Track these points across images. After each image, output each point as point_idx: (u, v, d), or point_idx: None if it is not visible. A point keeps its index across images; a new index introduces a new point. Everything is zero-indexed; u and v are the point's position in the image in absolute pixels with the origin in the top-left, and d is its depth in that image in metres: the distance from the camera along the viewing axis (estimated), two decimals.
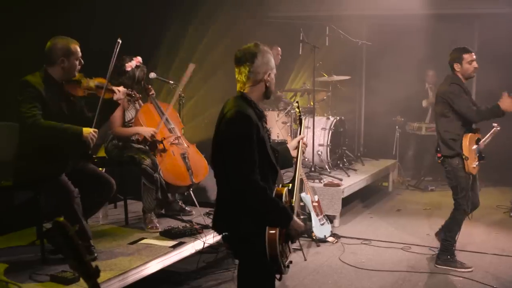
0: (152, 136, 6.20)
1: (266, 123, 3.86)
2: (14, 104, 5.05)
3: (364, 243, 7.44)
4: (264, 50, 3.84)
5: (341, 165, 9.68)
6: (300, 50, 9.32)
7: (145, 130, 6.21)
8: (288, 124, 9.42)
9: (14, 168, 5.19)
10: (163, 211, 6.63)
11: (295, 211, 3.88)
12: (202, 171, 6.59)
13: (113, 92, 5.38)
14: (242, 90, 3.81)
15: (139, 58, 6.31)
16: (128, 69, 6.23)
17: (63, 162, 5.19)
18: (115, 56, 5.25)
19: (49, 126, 4.95)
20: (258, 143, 3.60)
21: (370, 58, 12.22)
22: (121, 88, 5.44)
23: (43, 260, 5.11)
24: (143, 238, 5.79)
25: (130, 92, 5.62)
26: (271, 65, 3.86)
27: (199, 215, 6.53)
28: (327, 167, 9.29)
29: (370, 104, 12.18)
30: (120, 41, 5.21)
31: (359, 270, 6.54)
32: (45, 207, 5.27)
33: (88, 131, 5.05)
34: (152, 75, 6.70)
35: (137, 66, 6.27)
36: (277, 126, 9.40)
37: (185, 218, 6.58)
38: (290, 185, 3.97)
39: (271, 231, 3.60)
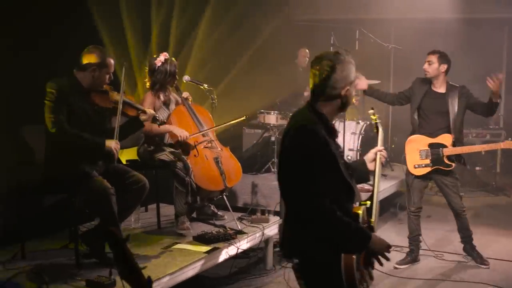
0: (186, 137, 6.15)
1: (337, 137, 3.52)
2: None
3: (396, 250, 7.33)
4: (346, 62, 3.39)
5: None
6: None
7: (180, 131, 6.16)
8: None
9: (44, 170, 5.16)
10: (194, 215, 6.56)
11: (375, 230, 3.56)
12: (236, 175, 6.53)
13: (138, 110, 5.40)
14: (313, 102, 3.46)
15: (165, 53, 6.31)
16: (158, 64, 6.21)
17: (94, 161, 5.17)
18: (123, 81, 5.30)
19: (72, 134, 4.96)
20: (327, 161, 3.27)
21: (398, 62, 12.11)
22: (150, 111, 5.50)
23: (78, 264, 5.06)
24: (176, 243, 5.74)
25: (157, 116, 5.66)
26: (351, 78, 3.41)
27: (231, 219, 6.47)
28: None
29: (398, 109, 12.03)
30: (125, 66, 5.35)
31: (391, 277, 6.47)
32: (78, 209, 5.25)
33: (111, 143, 5.06)
34: (186, 78, 6.66)
35: (165, 60, 6.24)
36: None
37: (217, 222, 6.52)
38: (369, 202, 3.59)
39: (347, 256, 3.25)
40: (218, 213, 6.68)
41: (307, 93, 10.20)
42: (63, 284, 4.67)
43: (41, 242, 5.80)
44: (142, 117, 5.42)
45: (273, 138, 9.24)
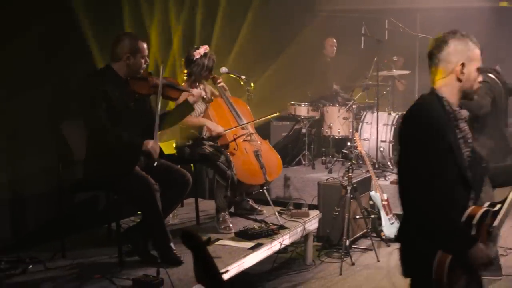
0: (219, 133, 6.00)
1: (459, 126, 3.22)
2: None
3: None
4: (461, 37, 3.18)
5: None
6: (362, 44, 9.06)
7: (214, 126, 6.01)
8: (349, 120, 9.17)
9: (85, 167, 5.01)
10: (232, 210, 6.41)
11: (494, 236, 3.19)
12: (276, 169, 6.39)
13: (181, 92, 5.23)
14: (433, 85, 3.29)
15: (206, 46, 6.15)
16: (197, 56, 6.05)
17: (134, 156, 5.00)
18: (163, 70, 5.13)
19: (111, 133, 4.81)
20: (443, 150, 3.04)
21: (424, 53, 11.88)
22: (196, 90, 5.32)
23: (121, 262, 4.91)
24: (218, 239, 5.59)
25: (205, 96, 5.46)
26: (470, 55, 3.17)
27: (270, 214, 6.32)
28: (389, 163, 9.02)
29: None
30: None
31: None
32: (119, 206, 5.13)
33: (148, 143, 4.85)
34: (223, 69, 6.50)
35: (205, 54, 6.08)
36: (338, 122, 9.15)
37: (256, 217, 6.36)
38: (499, 206, 3.20)
39: (443, 253, 3.03)
40: (257, 207, 6.52)
41: (336, 86, 10.06)
42: (109, 283, 4.52)
43: (80, 239, 5.69)
44: (191, 99, 5.21)
45: (304, 130, 9.09)
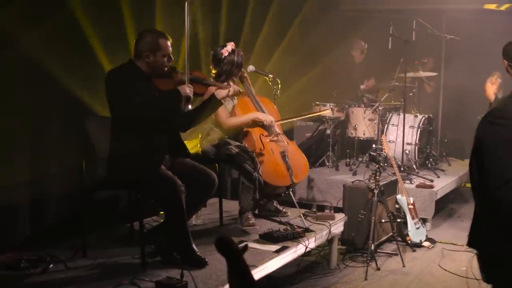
0: (272, 122, 5.97)
1: None
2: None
3: (469, 251, 6.97)
4: None
5: (429, 165, 9.24)
6: (390, 45, 8.89)
7: (264, 116, 5.96)
8: (375, 121, 9.02)
9: (108, 164, 4.89)
10: (256, 212, 6.27)
11: None
12: (302, 171, 6.27)
13: (208, 86, 5.10)
14: None
15: (232, 43, 6.02)
16: (225, 54, 5.91)
17: (159, 155, 4.89)
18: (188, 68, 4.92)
19: (154, 101, 4.72)
20: None
21: (450, 54, 11.70)
22: (225, 85, 5.18)
23: (143, 263, 4.79)
24: (243, 241, 5.46)
25: (238, 91, 5.31)
26: None
27: (295, 216, 6.20)
28: (414, 167, 8.87)
29: (450, 102, 11.62)
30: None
31: (463, 279, 6.13)
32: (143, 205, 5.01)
33: (184, 88, 4.76)
34: (250, 68, 6.37)
35: (232, 51, 5.95)
36: (364, 123, 9.00)
37: (280, 219, 6.21)
38: None
39: None
40: (282, 209, 6.38)
41: (363, 86, 9.90)
42: (131, 285, 4.40)
43: (101, 238, 5.59)
44: (219, 93, 5.07)
45: (328, 131, 8.93)
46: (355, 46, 10.14)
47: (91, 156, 5.08)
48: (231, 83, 5.23)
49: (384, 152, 7.43)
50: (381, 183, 6.61)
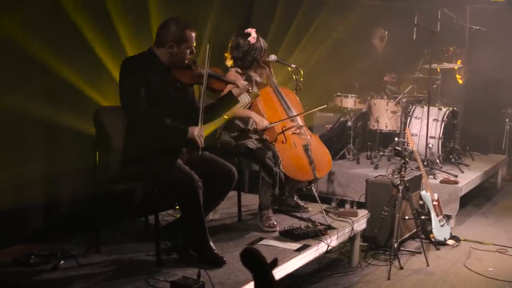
0: (264, 127, 5.64)
1: None
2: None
3: (500, 251, 6.74)
4: None
5: (452, 160, 8.96)
6: (414, 35, 8.61)
7: (260, 120, 5.65)
8: (398, 114, 8.76)
9: (122, 157, 4.68)
10: (276, 207, 6.03)
11: None
12: (326, 165, 6.04)
13: (226, 84, 4.85)
14: None
15: (253, 29, 5.77)
16: (254, 41, 5.67)
17: (176, 147, 4.68)
18: (208, 60, 4.64)
19: (152, 116, 4.49)
20: None
21: (474, 45, 11.41)
22: (242, 82, 4.89)
23: (158, 261, 4.58)
24: (262, 238, 5.25)
25: (249, 88, 4.99)
26: None
27: (317, 212, 5.98)
28: (438, 161, 8.60)
29: (473, 95, 11.33)
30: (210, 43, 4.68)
31: (490, 281, 5.90)
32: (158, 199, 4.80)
33: (194, 130, 4.50)
34: (273, 57, 6.11)
35: (258, 37, 5.73)
36: (386, 116, 8.75)
37: (301, 215, 6.00)
38: None
39: None
40: (302, 204, 6.16)
41: (387, 78, 9.65)
42: (145, 285, 4.20)
43: (115, 233, 5.40)
44: (235, 91, 4.83)
45: (349, 123, 8.68)
46: (375, 33, 9.87)
47: (104, 148, 4.85)
48: (241, 82, 4.97)
49: (409, 146, 7.19)
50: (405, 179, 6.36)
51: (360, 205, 6.81)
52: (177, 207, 5.66)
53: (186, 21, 4.67)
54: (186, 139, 4.49)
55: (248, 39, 5.64)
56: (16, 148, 5.10)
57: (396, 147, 6.37)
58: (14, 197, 4.98)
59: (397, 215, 6.09)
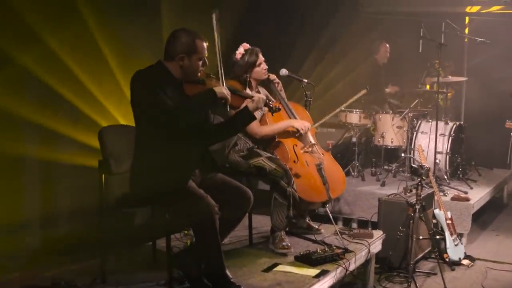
0: (308, 129, 5.50)
1: None
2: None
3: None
4: None
5: (460, 176, 8.71)
6: (420, 47, 8.38)
7: (300, 123, 5.48)
8: (404, 129, 8.49)
9: (131, 179, 4.36)
10: (287, 229, 5.74)
11: None
12: (340, 185, 5.79)
13: (244, 98, 4.52)
14: None
15: (245, 44, 5.52)
16: (238, 57, 5.43)
17: (188, 168, 4.35)
18: (216, 29, 4.36)
19: (185, 109, 4.14)
20: None
21: (473, 58, 11.22)
22: (258, 95, 4.54)
23: None
24: (277, 264, 4.97)
25: (268, 102, 4.62)
26: None
27: (331, 234, 5.72)
28: (445, 177, 8.33)
29: (473, 108, 11.08)
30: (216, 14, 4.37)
31: None
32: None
33: (220, 88, 4.20)
34: (283, 71, 5.85)
35: (245, 51, 5.45)
36: (392, 131, 8.47)
37: (311, 236, 5.76)
38: None
39: None
40: (314, 226, 5.88)
41: (389, 89, 9.42)
42: None
43: (122, 259, 5.11)
44: (250, 105, 4.42)
45: (354, 139, 8.41)
46: (378, 46, 9.63)
47: (110, 170, 4.56)
48: (255, 93, 4.66)
49: (420, 162, 6.91)
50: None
51: (362, 224, 6.56)
52: (186, 231, 5.37)
53: (195, 31, 4.34)
54: (216, 97, 4.16)
55: (235, 54, 5.47)
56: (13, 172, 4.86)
57: (413, 165, 6.10)
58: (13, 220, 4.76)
59: (414, 236, 5.82)
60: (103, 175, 4.53)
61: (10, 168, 4.92)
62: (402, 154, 8.46)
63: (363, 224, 6.59)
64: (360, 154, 8.70)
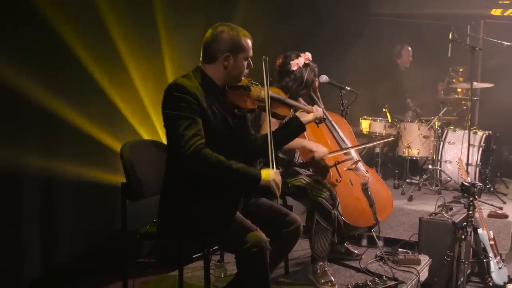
0: (323, 156, 4.74)
1: None
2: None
3: None
4: None
5: (491, 189, 8.12)
6: (449, 52, 7.78)
7: (315, 145, 4.75)
8: (431, 139, 7.89)
9: (160, 207, 3.66)
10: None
11: None
12: (387, 206, 5.15)
13: (292, 108, 3.90)
14: None
15: (308, 55, 4.77)
16: (294, 67, 4.71)
17: (235, 198, 3.66)
18: (267, 76, 3.67)
19: (216, 162, 3.39)
20: None
21: (487, 63, 10.72)
22: (316, 109, 3.93)
23: None
24: None
25: (323, 117, 4.00)
26: None
27: (373, 260, 5.11)
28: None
29: (486, 116, 10.53)
30: (266, 58, 3.67)
31: None
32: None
33: (269, 175, 3.50)
34: (324, 78, 5.22)
35: (305, 65, 4.74)
36: (419, 141, 7.85)
37: (353, 263, 5.19)
38: None
39: None
40: (354, 251, 5.27)
41: (410, 101, 8.91)
42: None
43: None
44: (309, 116, 3.86)
45: (377, 150, 7.81)
46: (403, 53, 9.07)
47: (135, 194, 3.87)
48: (315, 106, 4.01)
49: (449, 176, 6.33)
50: (458, 215, 5.55)
51: (392, 242, 5.97)
52: (219, 263, 4.76)
53: (237, 26, 3.70)
54: (258, 187, 3.50)
55: (291, 62, 4.75)
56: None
57: (464, 183, 5.46)
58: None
59: (466, 263, 5.24)
60: (126, 200, 3.83)
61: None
62: (430, 166, 7.88)
63: (393, 242, 5.98)
64: (383, 166, 8.13)
